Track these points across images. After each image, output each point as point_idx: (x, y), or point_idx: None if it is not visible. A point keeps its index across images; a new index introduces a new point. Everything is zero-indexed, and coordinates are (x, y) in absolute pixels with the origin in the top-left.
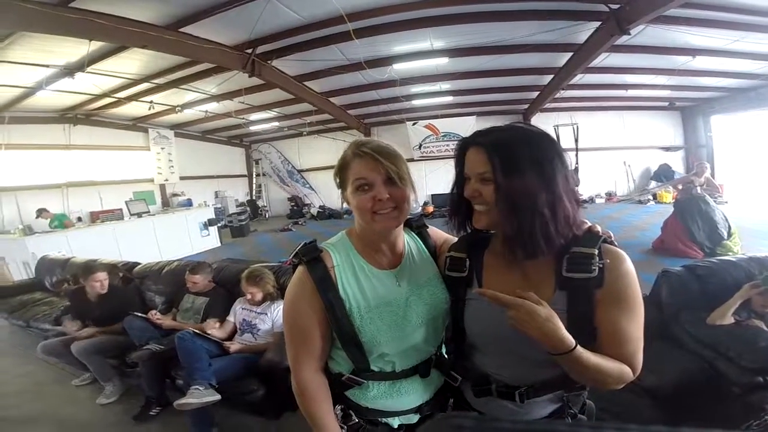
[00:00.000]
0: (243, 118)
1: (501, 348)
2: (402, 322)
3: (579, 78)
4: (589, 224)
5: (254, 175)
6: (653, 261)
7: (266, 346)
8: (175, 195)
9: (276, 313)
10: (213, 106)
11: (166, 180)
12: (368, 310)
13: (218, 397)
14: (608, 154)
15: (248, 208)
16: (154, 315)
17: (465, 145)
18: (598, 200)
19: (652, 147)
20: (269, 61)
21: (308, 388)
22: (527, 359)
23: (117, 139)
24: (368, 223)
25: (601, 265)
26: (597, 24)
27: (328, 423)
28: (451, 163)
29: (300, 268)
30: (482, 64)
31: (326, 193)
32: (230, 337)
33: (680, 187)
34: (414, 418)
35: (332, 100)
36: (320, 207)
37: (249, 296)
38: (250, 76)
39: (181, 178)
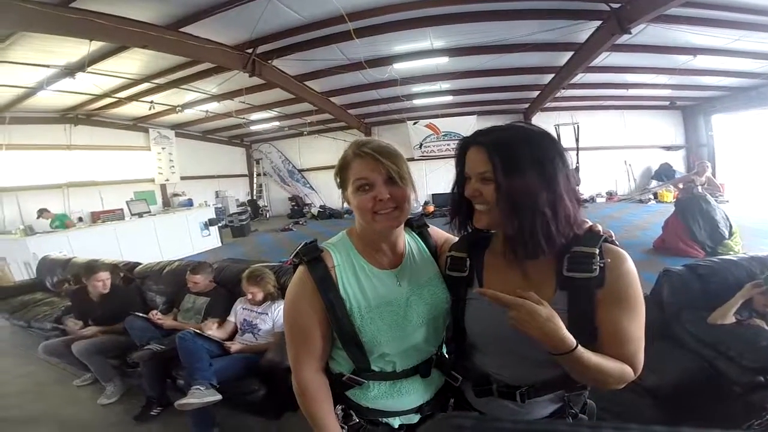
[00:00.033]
0: (243, 118)
1: (502, 348)
2: (402, 321)
3: (580, 77)
4: (590, 223)
5: (255, 175)
6: (654, 260)
7: (267, 346)
8: (175, 195)
9: (277, 313)
10: (213, 106)
11: (167, 180)
12: (369, 310)
13: (219, 397)
14: (609, 153)
15: (249, 208)
16: (155, 315)
17: (465, 145)
18: (598, 199)
19: (653, 146)
20: (270, 61)
21: (309, 388)
22: (528, 359)
23: (118, 139)
24: (369, 223)
25: (602, 265)
26: (598, 23)
27: (328, 423)
28: (452, 162)
29: (300, 268)
30: (483, 64)
31: (327, 192)
32: (231, 337)
33: (681, 186)
34: (415, 418)
35: (333, 99)
36: (321, 207)
37: (250, 296)
38: (250, 76)
39: (182, 178)
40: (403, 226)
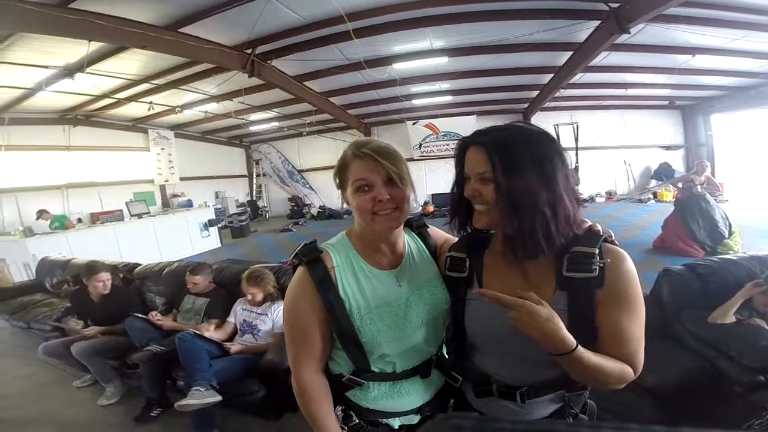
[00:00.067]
0: (243, 119)
1: (502, 348)
2: (402, 322)
3: (579, 77)
4: (590, 223)
5: (254, 176)
6: (654, 260)
7: (267, 346)
8: (175, 196)
9: (276, 314)
10: (213, 107)
11: (166, 181)
12: (368, 311)
13: (219, 398)
14: (608, 153)
15: (248, 209)
16: (155, 316)
17: (465, 145)
18: (598, 199)
19: (652, 146)
20: (269, 61)
21: (308, 388)
22: (528, 359)
23: (117, 139)
24: (368, 224)
25: (601, 265)
26: (597, 23)
27: (328, 424)
28: (452, 162)
29: (300, 269)
30: (482, 64)
31: (326, 193)
32: (231, 338)
33: (680, 185)
34: (415, 419)
35: (332, 99)
36: (320, 207)
37: (249, 297)
38: (249, 77)
39: (181, 179)
40: (402, 226)
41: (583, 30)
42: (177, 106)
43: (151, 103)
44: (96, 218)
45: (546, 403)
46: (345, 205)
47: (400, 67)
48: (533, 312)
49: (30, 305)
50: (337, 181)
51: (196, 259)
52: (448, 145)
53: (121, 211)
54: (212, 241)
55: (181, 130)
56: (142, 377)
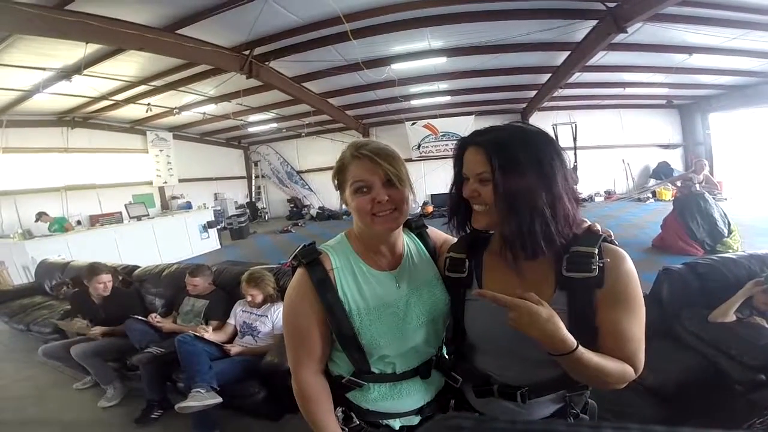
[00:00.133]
0: (241, 120)
1: (502, 348)
2: (402, 323)
3: (577, 76)
4: (589, 223)
5: (253, 177)
6: (653, 259)
7: (267, 348)
8: (174, 197)
9: (276, 315)
10: (211, 108)
11: (165, 182)
12: (368, 312)
13: (219, 399)
14: (607, 152)
15: (248, 210)
16: (154, 318)
17: (463, 145)
18: (597, 199)
19: (650, 145)
20: (267, 63)
21: (308, 390)
22: (528, 359)
23: (115, 141)
24: (367, 225)
25: (601, 265)
26: (594, 22)
27: (328, 425)
28: (451, 162)
29: (299, 271)
30: (480, 64)
31: (325, 194)
32: (231, 340)
33: (679, 184)
34: (415, 420)
35: (330, 100)
36: (319, 208)
37: (249, 298)
38: (247, 78)
39: (180, 181)
40: (401, 227)
41: (581, 29)
42: (175, 108)
43: (149, 104)
44: (95, 220)
45: (547, 403)
46: (344, 206)
47: (399, 68)
48: (533, 312)
49: (29, 308)
50: (336, 182)
51: (196, 261)
52: (446, 145)
53: (120, 213)
54: (211, 242)
55: (179, 131)
56: (143, 379)
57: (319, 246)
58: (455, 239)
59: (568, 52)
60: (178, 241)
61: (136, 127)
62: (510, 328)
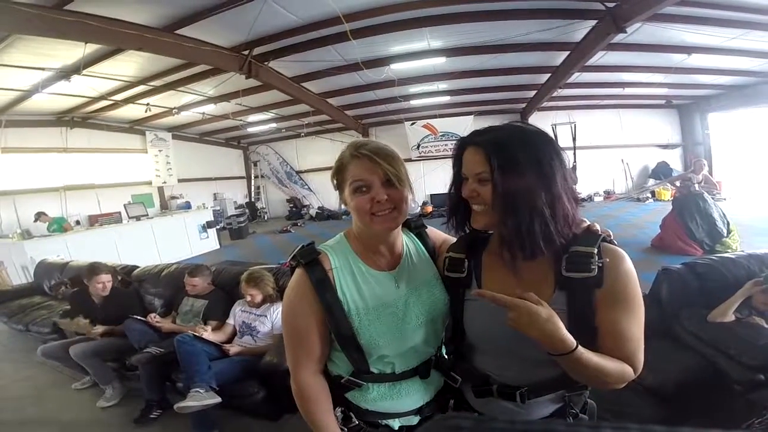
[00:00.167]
0: (240, 120)
1: (501, 348)
2: (401, 323)
3: (576, 76)
4: (588, 223)
5: (252, 177)
6: (652, 259)
7: (266, 348)
8: (173, 197)
9: (275, 315)
10: (210, 108)
11: (164, 182)
12: (367, 312)
13: (218, 399)
14: (606, 152)
15: (247, 210)
16: (154, 318)
17: (462, 145)
18: (596, 198)
19: (649, 145)
20: (266, 63)
21: (307, 390)
22: (528, 359)
23: (114, 141)
24: (367, 225)
25: (600, 265)
26: (593, 22)
27: (327, 425)
28: (450, 162)
29: (298, 271)
30: (479, 64)
31: (325, 194)
32: (230, 340)
33: (678, 184)
34: (414, 420)
35: (330, 100)
36: (319, 208)
37: (249, 298)
38: (247, 78)
39: (180, 181)
40: (400, 227)
41: (580, 29)
42: (174, 108)
43: (148, 104)
44: (94, 220)
45: (546, 403)
46: (343, 206)
47: (398, 68)
48: (533, 312)
49: (28, 308)
50: (335, 182)
51: (195, 261)
52: (446, 145)
53: (119, 213)
54: (211, 242)
55: (178, 131)
56: (141, 379)
57: (318, 246)
58: (454, 239)
59: (568, 52)
60: (178, 241)
61: (135, 127)
62: (509, 328)
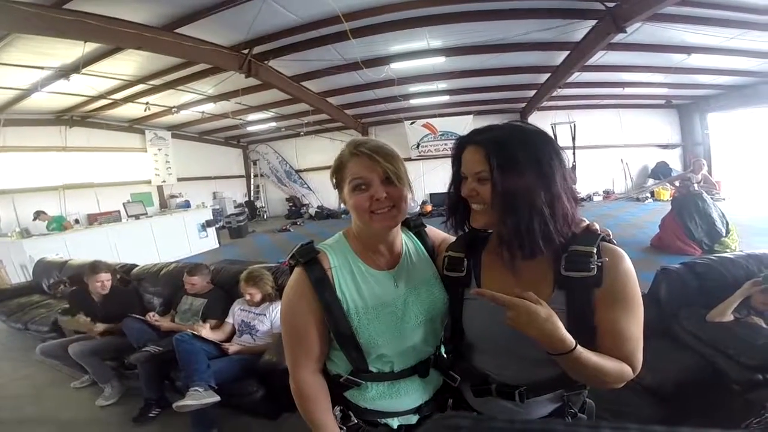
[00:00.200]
0: (240, 119)
1: (500, 348)
2: (400, 323)
3: (576, 76)
4: (588, 222)
5: (252, 176)
6: (651, 258)
7: (265, 347)
8: (172, 196)
9: (275, 314)
10: (210, 107)
11: (164, 181)
12: (366, 312)
13: (217, 398)
14: (606, 152)
15: (246, 209)
16: (152, 317)
17: (462, 144)
18: (595, 198)
19: (649, 145)
20: (266, 62)
21: (306, 389)
22: (527, 359)
23: (114, 140)
24: (366, 223)
25: (599, 264)
26: (593, 22)
27: (326, 424)
28: (450, 162)
29: (297, 270)
30: (479, 63)
31: (324, 193)
32: (229, 339)
33: (677, 184)
34: (413, 419)
35: (329, 100)
36: (318, 207)
37: (248, 297)
38: (246, 77)
39: (179, 180)
40: (400, 226)
41: (580, 29)
42: (173, 107)
43: (147, 103)
44: (93, 219)
45: (545, 402)
46: (342, 205)
47: (398, 67)
48: (532, 312)
49: (27, 306)
50: (334, 180)
51: (194, 260)
52: (445, 144)
53: (118, 212)
54: (210, 241)
55: (178, 130)
56: (140, 378)
57: (317, 245)
58: (454, 238)
59: (567, 52)
60: (177, 239)
61: (134, 126)
62: (508, 328)
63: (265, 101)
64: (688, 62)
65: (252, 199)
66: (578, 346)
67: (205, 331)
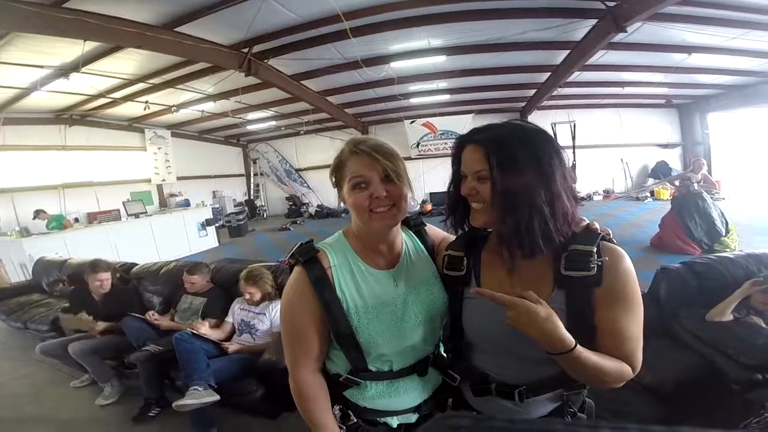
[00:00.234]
0: (240, 118)
1: (500, 347)
2: (400, 322)
3: (576, 75)
4: (588, 222)
5: (252, 175)
6: (651, 258)
7: (265, 346)
8: (172, 195)
9: (274, 313)
10: (209, 106)
11: (164, 180)
12: (366, 311)
13: (217, 397)
14: (606, 151)
15: (246, 208)
16: (152, 316)
17: (461, 143)
18: (595, 197)
19: (649, 144)
20: (265, 60)
21: (305, 388)
22: (526, 358)
23: (113, 139)
24: (365, 222)
25: (599, 263)
26: (594, 21)
27: (326, 423)
28: (450, 161)
29: (297, 269)
30: (479, 62)
31: (324, 192)
32: (229, 338)
33: (677, 183)
34: (413, 418)
35: (329, 98)
36: (318, 206)
37: (247, 296)
38: (246, 76)
39: (179, 178)
40: (400, 225)
41: (580, 28)
42: (173, 106)
43: (147, 102)
44: (93, 218)
45: (544, 401)
46: (342, 204)
47: (398, 66)
48: (531, 311)
49: (27, 305)
50: (334, 179)
51: (194, 259)
52: (445, 143)
53: (118, 210)
54: (210, 240)
55: (177, 129)
56: (140, 377)
57: (316, 244)
58: (454, 237)
59: (568, 51)
60: (176, 238)
61: (134, 124)
62: (508, 327)
63: (265, 100)
64: (688, 62)
65: (252, 197)
66: (578, 345)
67: (204, 329)
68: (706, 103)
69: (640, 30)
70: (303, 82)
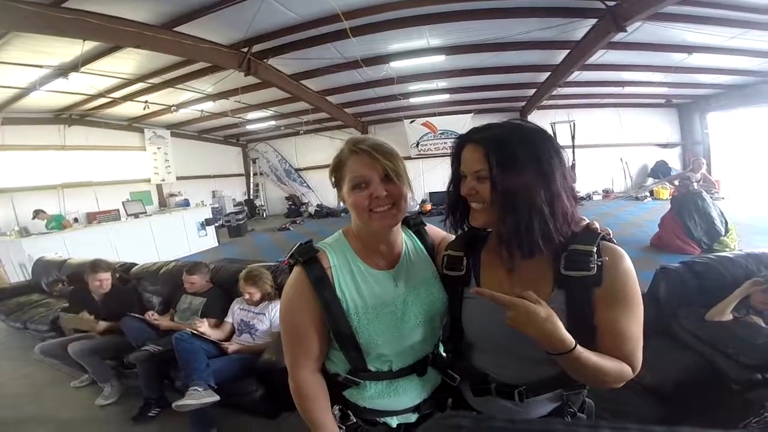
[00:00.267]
0: (239, 117)
1: (499, 347)
2: (400, 322)
3: (576, 75)
4: (587, 221)
5: (251, 175)
6: (651, 257)
7: (264, 346)
8: (172, 195)
9: (274, 313)
10: (209, 106)
11: (163, 180)
12: (365, 311)
13: (217, 397)
14: (605, 151)
15: (246, 208)
16: (152, 316)
17: (461, 143)
18: (595, 197)
19: (649, 144)
20: (265, 60)
21: (305, 388)
22: (526, 358)
23: (113, 139)
24: (365, 222)
25: (599, 263)
26: (594, 21)
27: (325, 423)
28: (449, 160)
29: (296, 269)
30: (479, 62)
31: (324, 191)
32: (228, 338)
33: (677, 183)
34: (412, 418)
35: (329, 98)
36: (318, 206)
37: (247, 296)
38: (246, 75)
39: (178, 178)
40: (400, 224)
41: (580, 28)
42: (173, 105)
43: (146, 102)
44: (92, 218)
45: (544, 401)
46: (342, 204)
47: (398, 66)
48: (531, 311)
49: (26, 305)
50: (333, 179)
51: (193, 259)
52: (445, 143)
53: (117, 210)
54: (209, 240)
55: (177, 129)
56: (140, 377)
57: (316, 244)
58: (453, 237)
59: (568, 51)
60: (176, 238)
61: (133, 124)
62: (508, 327)
63: (265, 100)
64: (688, 61)
65: (251, 197)
66: (578, 345)
67: (204, 327)
68: (706, 103)
69: (640, 29)
70: (302, 81)
